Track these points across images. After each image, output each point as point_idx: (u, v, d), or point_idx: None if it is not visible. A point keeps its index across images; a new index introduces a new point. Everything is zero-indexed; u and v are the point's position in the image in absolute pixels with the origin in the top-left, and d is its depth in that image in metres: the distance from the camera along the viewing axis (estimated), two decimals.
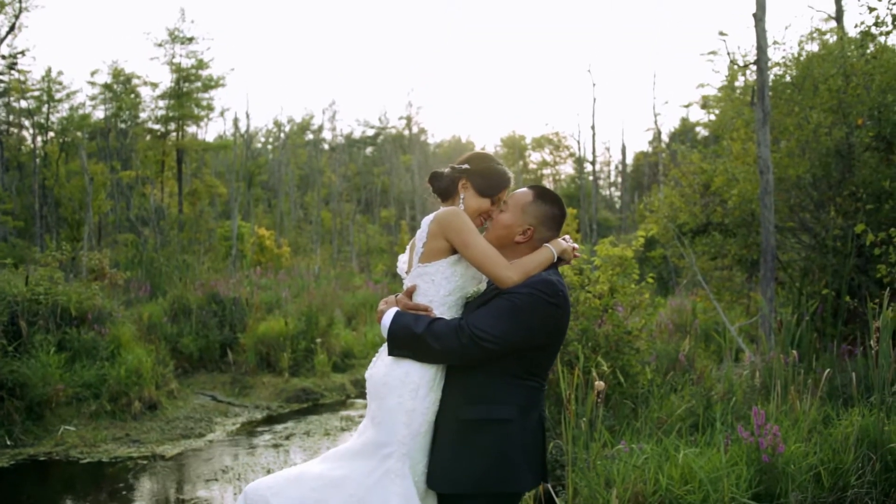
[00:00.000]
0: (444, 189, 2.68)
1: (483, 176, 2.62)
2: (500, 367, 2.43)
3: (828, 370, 4.93)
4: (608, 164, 56.62)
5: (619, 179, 50.60)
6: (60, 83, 29.94)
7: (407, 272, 2.69)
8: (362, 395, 9.71)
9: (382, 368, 2.51)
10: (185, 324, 10.97)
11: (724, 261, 9.72)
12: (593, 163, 36.40)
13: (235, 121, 35.80)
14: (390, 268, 26.84)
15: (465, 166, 2.65)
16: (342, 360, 11.22)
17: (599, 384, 4.23)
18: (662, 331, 8.86)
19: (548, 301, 2.39)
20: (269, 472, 6.36)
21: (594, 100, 39.09)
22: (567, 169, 52.39)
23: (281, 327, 10.67)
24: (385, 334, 2.51)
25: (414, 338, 2.43)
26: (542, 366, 2.50)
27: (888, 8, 7.77)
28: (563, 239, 2.65)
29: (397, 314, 2.51)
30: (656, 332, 8.17)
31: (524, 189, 2.67)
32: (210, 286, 12.12)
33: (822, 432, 4.51)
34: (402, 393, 2.45)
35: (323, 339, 10.97)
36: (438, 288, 2.54)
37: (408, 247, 2.77)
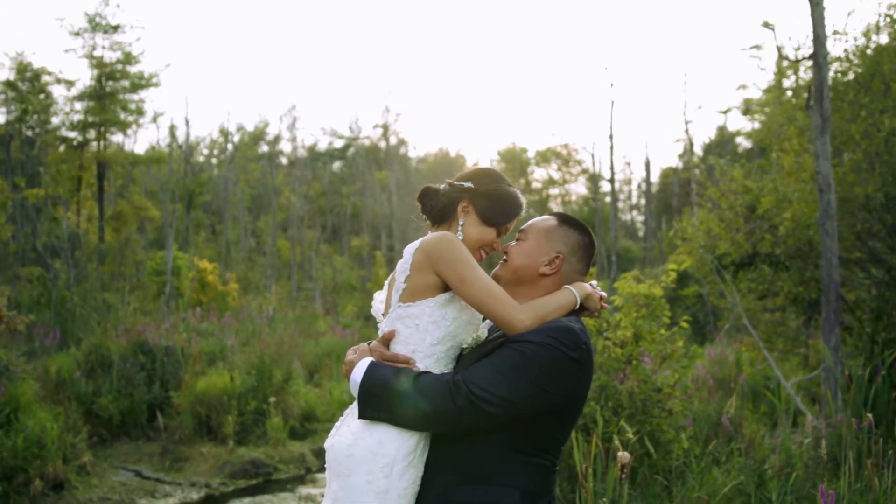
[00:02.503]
0: (439, 211, 2.63)
1: (491, 199, 2.59)
2: (502, 438, 2.36)
3: None
4: (629, 182, 57.03)
5: (643, 201, 50.94)
6: None
7: (384, 314, 2.62)
8: None
9: (348, 436, 2.41)
10: (104, 380, 10.82)
11: (775, 300, 9.69)
12: (611, 181, 36.64)
13: (172, 128, 35.90)
14: (363, 309, 26.74)
15: (469, 184, 2.61)
16: (302, 424, 11.10)
17: (623, 455, 4.13)
18: (700, 388, 8.81)
19: (566, 354, 2.33)
20: None
21: (612, 104, 39.38)
22: (579, 188, 52.69)
23: (225, 383, 10.54)
24: (355, 391, 2.42)
25: (394, 396, 2.34)
26: (555, 438, 2.44)
27: None
28: (590, 284, 2.62)
29: (372, 366, 2.43)
30: (693, 390, 8.09)
31: (544, 216, 2.67)
32: (137, 332, 12.02)
33: None
34: (373, 469, 2.34)
35: (278, 398, 10.85)
36: (424, 334, 2.47)
37: (386, 282, 2.70)
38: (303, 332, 17.14)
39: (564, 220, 2.64)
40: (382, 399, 2.36)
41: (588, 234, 2.64)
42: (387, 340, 2.51)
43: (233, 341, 13.20)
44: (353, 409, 2.47)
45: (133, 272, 25.73)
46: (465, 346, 2.55)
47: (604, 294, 2.63)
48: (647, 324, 6.11)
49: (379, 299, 2.72)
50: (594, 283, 2.65)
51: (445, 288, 2.47)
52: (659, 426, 5.68)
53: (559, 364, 2.32)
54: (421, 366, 2.44)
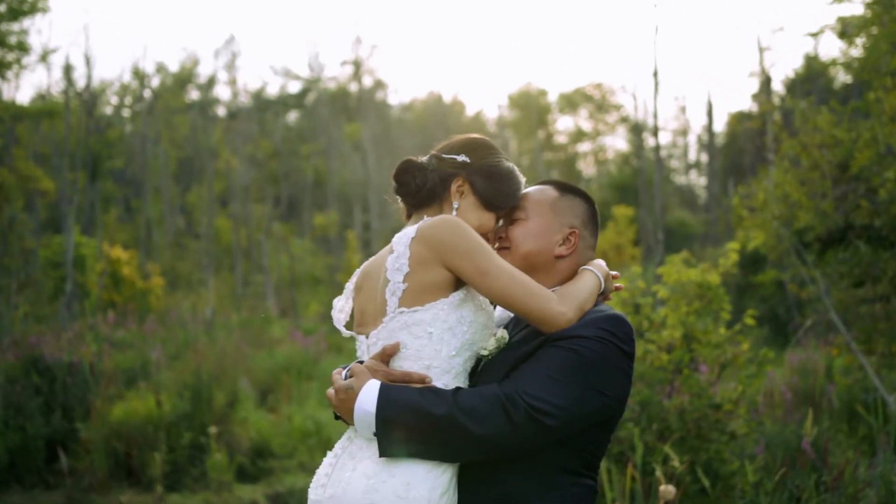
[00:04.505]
0: (428, 191, 2.70)
1: (491, 176, 2.68)
2: (548, 458, 2.53)
3: None
4: (684, 133, 56.64)
5: (704, 158, 50.75)
6: None
7: (352, 328, 2.71)
8: None
9: (361, 482, 2.47)
10: None
11: (875, 288, 9.71)
12: (655, 131, 36.48)
13: (67, 70, 35.66)
14: (331, 308, 26.68)
15: (463, 158, 2.68)
16: (252, 461, 11.09)
17: (667, 490, 4.25)
18: (775, 404, 8.84)
19: (621, 349, 2.54)
20: None
21: (656, 29, 39.13)
22: (618, 143, 52.58)
23: (150, 410, 10.56)
24: (367, 424, 2.48)
25: (433, 423, 2.43)
26: (602, 453, 2.65)
27: None
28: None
29: (385, 389, 2.49)
30: (764, 407, 8.17)
31: (538, 187, 2.81)
32: (29, 345, 11.99)
33: None
34: None
35: (220, 429, 10.84)
36: (440, 345, 2.55)
37: (348, 285, 2.80)
38: (252, 340, 17.11)
39: (563, 187, 2.81)
40: (412, 428, 2.43)
41: (591, 200, 2.83)
42: (388, 356, 2.56)
43: (159, 354, 13.17)
44: (353, 447, 2.55)
45: (20, 265, 25.71)
46: (484, 353, 2.63)
47: (616, 273, 2.80)
48: (702, 321, 6.14)
49: (340, 307, 2.82)
50: (600, 261, 2.77)
51: (457, 284, 2.55)
52: (718, 453, 5.71)
53: (615, 361, 2.52)
54: (438, 384, 2.52)
